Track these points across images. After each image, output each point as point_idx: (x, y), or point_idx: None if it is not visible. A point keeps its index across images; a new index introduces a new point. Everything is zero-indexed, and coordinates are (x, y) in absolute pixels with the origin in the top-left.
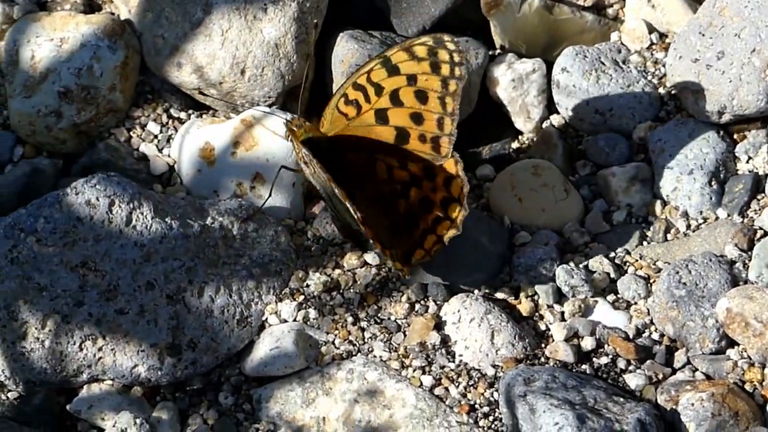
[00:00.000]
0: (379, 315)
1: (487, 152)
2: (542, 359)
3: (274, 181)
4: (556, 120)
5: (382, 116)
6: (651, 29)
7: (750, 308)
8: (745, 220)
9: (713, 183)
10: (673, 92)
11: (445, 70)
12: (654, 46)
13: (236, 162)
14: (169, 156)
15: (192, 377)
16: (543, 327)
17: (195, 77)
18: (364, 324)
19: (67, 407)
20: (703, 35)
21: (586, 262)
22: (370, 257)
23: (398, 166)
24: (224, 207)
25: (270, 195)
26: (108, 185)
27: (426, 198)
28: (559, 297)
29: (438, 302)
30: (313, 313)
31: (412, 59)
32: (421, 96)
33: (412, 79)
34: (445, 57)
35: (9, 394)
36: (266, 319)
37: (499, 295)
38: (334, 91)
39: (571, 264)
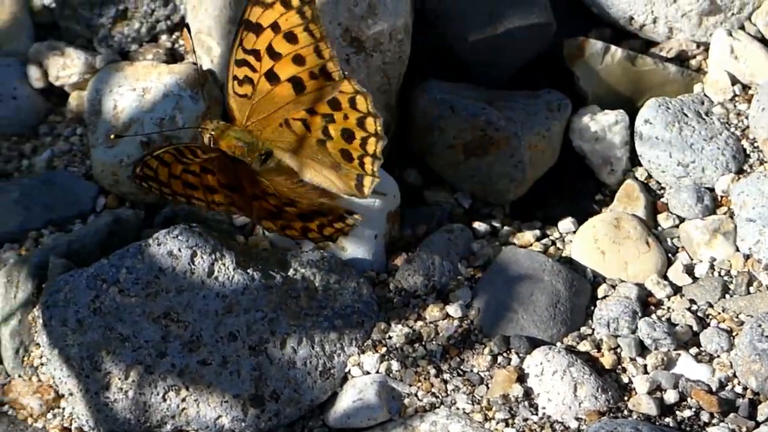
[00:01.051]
0: (461, 367)
1: (569, 205)
2: (625, 412)
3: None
4: (638, 172)
5: (272, 77)
6: (734, 81)
7: None
8: None
9: None
10: (756, 144)
11: (295, 2)
12: (737, 98)
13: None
14: None
15: (275, 429)
16: (626, 380)
17: None
18: (446, 376)
19: None
20: None
21: (668, 315)
22: (453, 309)
23: (308, 116)
24: (306, 258)
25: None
26: (190, 236)
27: (345, 129)
28: (642, 350)
29: (521, 354)
30: (395, 364)
31: (266, 8)
32: (291, 37)
33: (275, 27)
34: None
35: None
36: (349, 370)
37: (582, 348)
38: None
39: (654, 317)
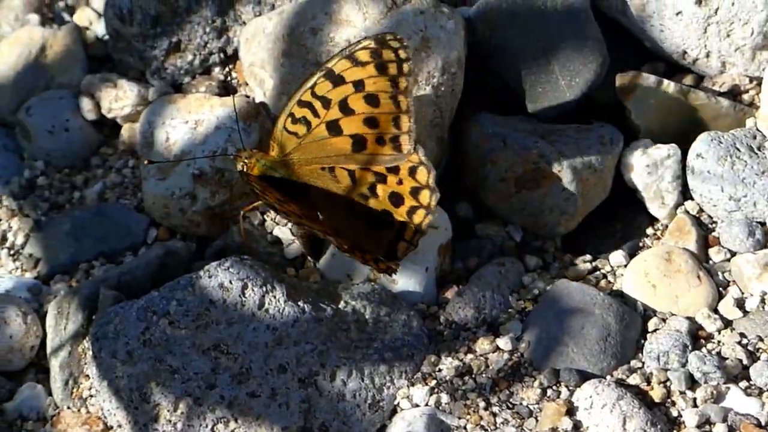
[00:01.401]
0: (511, 400)
1: (620, 238)
2: None
3: (241, 226)
4: (690, 206)
5: (334, 128)
6: None
7: None
8: None
9: None
10: None
11: (392, 69)
12: None
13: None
14: None
15: None
16: (675, 413)
17: None
18: (496, 409)
19: None
20: None
21: (718, 349)
22: (503, 342)
23: (358, 169)
24: (357, 291)
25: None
26: (241, 268)
27: (395, 193)
28: (692, 383)
29: (570, 387)
30: (445, 397)
31: (356, 65)
32: (372, 100)
33: (359, 84)
34: (390, 56)
35: None
36: (398, 403)
37: (632, 381)
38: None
39: (704, 350)
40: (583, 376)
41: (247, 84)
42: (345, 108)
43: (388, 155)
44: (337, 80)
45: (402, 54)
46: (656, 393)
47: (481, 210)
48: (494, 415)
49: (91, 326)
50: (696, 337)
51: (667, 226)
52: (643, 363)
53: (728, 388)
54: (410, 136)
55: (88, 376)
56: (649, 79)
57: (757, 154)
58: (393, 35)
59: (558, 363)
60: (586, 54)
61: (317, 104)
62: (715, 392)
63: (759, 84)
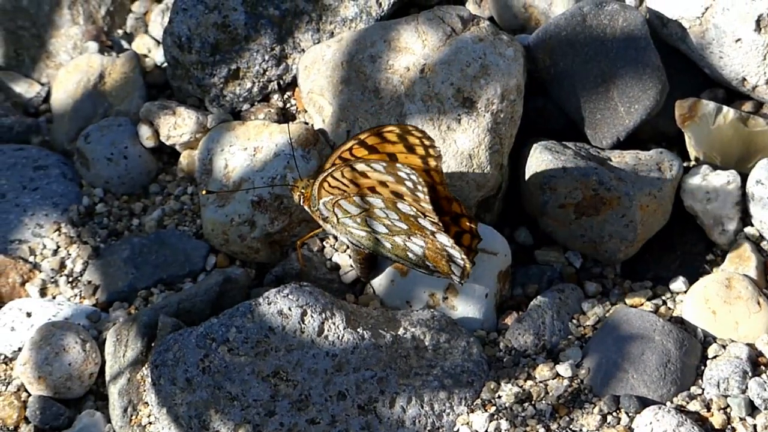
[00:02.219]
0: (570, 426)
1: (680, 265)
2: None
3: (299, 252)
4: (750, 232)
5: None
6: None
7: None
8: None
9: None
10: None
11: (420, 150)
12: None
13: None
14: None
15: None
16: None
17: None
18: None
19: None
20: None
21: None
22: (563, 369)
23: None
24: (416, 318)
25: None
26: (300, 295)
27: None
28: (752, 410)
29: (630, 414)
30: (504, 424)
31: (385, 142)
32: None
33: (392, 157)
34: (415, 141)
35: None
36: (458, 430)
37: (692, 407)
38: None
39: (764, 376)
40: (643, 403)
41: (305, 111)
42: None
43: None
44: (371, 149)
45: (426, 141)
46: (716, 419)
47: (540, 236)
48: None
49: (150, 353)
50: (756, 363)
51: (726, 253)
52: (703, 389)
53: None
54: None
55: (147, 403)
56: (708, 105)
57: None
58: (414, 128)
59: (618, 389)
60: (646, 81)
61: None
62: None
63: None
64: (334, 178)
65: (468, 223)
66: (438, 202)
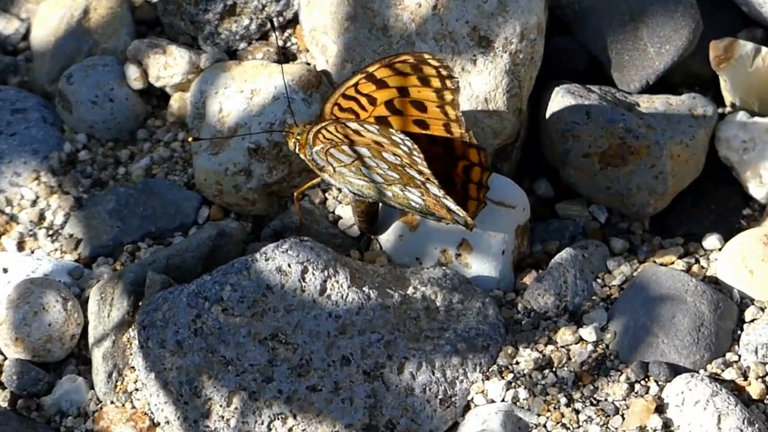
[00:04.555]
0: (595, 396)
1: (714, 220)
2: None
3: (297, 205)
4: None
5: (383, 122)
6: None
7: None
8: None
9: None
10: None
11: (435, 82)
12: None
13: (441, 227)
14: None
15: None
16: None
17: None
18: (578, 405)
19: None
20: None
21: None
22: (587, 332)
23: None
24: (427, 276)
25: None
26: (301, 251)
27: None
28: None
29: (660, 383)
30: (523, 392)
31: (397, 74)
32: (419, 106)
33: (403, 91)
34: (431, 71)
35: None
36: (472, 398)
37: (727, 376)
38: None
39: None
40: (674, 370)
41: (308, 50)
42: (392, 108)
43: (438, 154)
44: (380, 83)
45: (443, 72)
46: (754, 389)
47: (562, 188)
48: (577, 412)
49: (138, 313)
50: None
51: (765, 207)
52: (740, 356)
53: None
54: (463, 143)
55: (133, 368)
56: (746, 46)
57: None
58: (431, 55)
59: (646, 355)
60: (678, 19)
61: (363, 100)
62: None
63: None
64: (329, 131)
65: (477, 155)
66: (451, 143)
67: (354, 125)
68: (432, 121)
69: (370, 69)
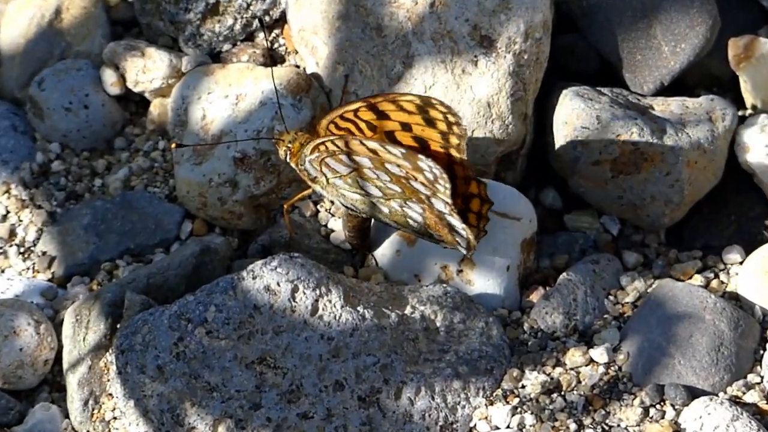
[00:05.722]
0: (607, 421)
1: (734, 231)
2: None
3: (286, 218)
4: None
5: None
6: None
7: None
8: None
9: None
10: None
11: (441, 126)
12: None
13: None
14: None
15: None
16: None
17: None
18: (589, 431)
19: None
20: None
21: None
22: (598, 353)
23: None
24: (426, 294)
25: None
26: (291, 268)
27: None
28: None
29: (677, 406)
30: (529, 418)
31: (401, 111)
32: (421, 142)
33: (405, 126)
34: (438, 116)
35: None
36: (474, 425)
37: (749, 398)
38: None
39: None
40: (692, 393)
41: (296, 52)
42: (392, 138)
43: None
44: (381, 115)
45: (450, 118)
46: None
47: (570, 198)
48: None
49: (115, 337)
50: None
51: None
52: (762, 377)
53: None
54: (465, 169)
55: (111, 395)
56: (766, 44)
57: None
58: (439, 102)
59: (662, 378)
60: (694, 15)
61: (361, 124)
62: None
63: None
64: (335, 145)
65: (477, 187)
66: (453, 181)
67: (373, 144)
68: (433, 153)
69: (373, 100)
